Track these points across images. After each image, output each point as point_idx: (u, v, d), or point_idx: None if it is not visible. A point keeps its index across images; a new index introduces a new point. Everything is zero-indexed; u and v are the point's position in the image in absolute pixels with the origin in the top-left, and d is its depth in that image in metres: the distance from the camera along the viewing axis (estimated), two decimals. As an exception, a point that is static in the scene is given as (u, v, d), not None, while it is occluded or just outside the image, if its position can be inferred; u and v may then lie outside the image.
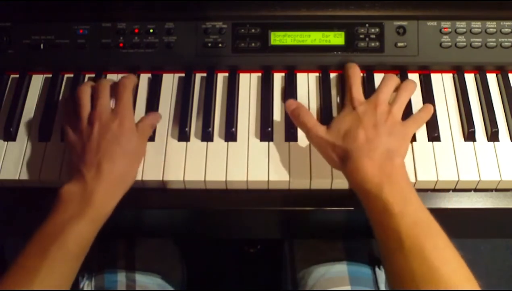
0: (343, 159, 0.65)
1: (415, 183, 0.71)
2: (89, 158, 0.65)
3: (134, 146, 0.68)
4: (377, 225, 0.61)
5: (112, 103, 0.71)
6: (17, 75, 0.79)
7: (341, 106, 0.76)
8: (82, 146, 0.66)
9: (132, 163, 0.68)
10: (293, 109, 0.71)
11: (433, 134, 0.73)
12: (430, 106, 0.74)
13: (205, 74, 0.78)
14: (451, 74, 0.79)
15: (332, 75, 0.78)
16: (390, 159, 0.63)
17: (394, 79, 0.73)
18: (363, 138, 0.65)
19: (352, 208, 0.71)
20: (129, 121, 0.68)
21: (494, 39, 0.78)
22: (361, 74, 0.76)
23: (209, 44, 0.78)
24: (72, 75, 0.79)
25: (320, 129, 0.68)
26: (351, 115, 0.68)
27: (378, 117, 0.67)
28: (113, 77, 0.79)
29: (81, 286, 0.86)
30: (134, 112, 0.75)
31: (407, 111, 0.73)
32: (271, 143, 0.73)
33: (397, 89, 0.73)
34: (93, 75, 0.79)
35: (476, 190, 0.72)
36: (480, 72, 0.79)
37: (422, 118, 0.73)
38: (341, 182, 0.70)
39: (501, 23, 0.78)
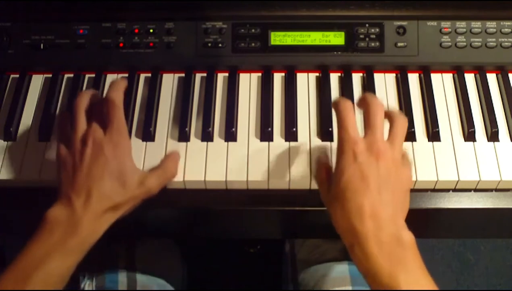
0: (347, 238, 0.60)
1: (415, 182, 0.71)
2: (79, 182, 0.62)
3: (128, 171, 0.64)
4: None
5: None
6: (17, 75, 0.79)
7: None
8: (73, 166, 0.64)
9: (125, 189, 0.64)
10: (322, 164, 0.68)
11: (434, 130, 0.73)
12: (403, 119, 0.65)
13: (205, 74, 0.78)
14: (451, 74, 0.79)
15: (332, 75, 0.78)
16: (400, 241, 0.57)
17: (381, 109, 0.63)
18: (368, 213, 0.58)
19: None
20: (122, 144, 0.65)
21: (494, 39, 0.78)
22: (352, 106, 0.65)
23: (209, 44, 0.78)
24: (72, 75, 0.79)
25: (323, 189, 0.65)
26: (352, 170, 0.60)
27: (383, 177, 0.60)
28: (113, 77, 0.79)
29: (82, 286, 0.86)
30: (133, 114, 0.75)
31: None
32: (271, 143, 0.73)
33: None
34: (93, 75, 0.79)
35: (476, 190, 0.72)
36: (480, 72, 0.79)
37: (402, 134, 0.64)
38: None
39: (501, 23, 0.78)
